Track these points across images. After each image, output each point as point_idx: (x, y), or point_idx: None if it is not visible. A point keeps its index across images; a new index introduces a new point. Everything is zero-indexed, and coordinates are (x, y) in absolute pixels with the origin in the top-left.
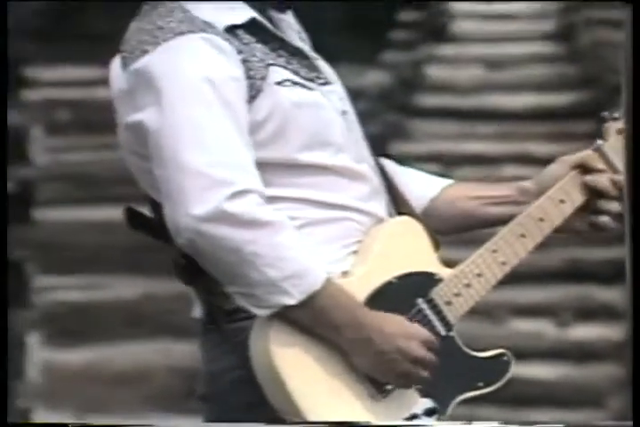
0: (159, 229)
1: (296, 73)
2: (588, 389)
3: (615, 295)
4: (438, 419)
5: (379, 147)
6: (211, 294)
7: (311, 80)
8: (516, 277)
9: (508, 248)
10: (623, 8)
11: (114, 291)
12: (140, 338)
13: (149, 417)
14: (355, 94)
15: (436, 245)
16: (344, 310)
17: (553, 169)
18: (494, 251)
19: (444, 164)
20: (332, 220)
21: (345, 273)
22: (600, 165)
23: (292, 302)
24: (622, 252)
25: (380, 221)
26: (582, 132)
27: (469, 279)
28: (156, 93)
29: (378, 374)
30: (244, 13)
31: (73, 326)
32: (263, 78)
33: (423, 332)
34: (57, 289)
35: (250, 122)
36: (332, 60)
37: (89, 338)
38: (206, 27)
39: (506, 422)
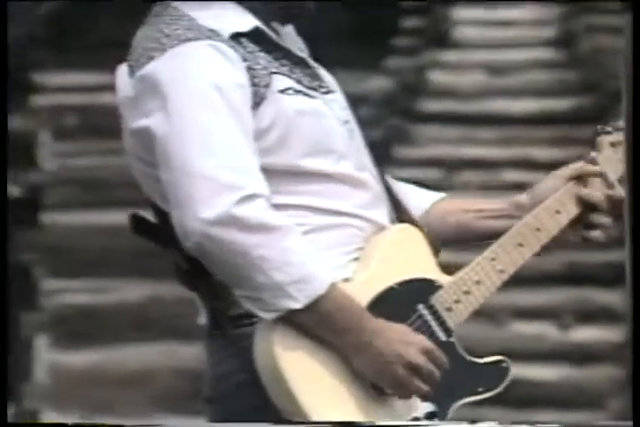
0: (162, 235)
1: (299, 82)
2: (588, 390)
3: (615, 298)
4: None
5: (382, 151)
6: (215, 299)
7: (314, 89)
8: (517, 281)
9: (506, 256)
10: (623, 14)
11: (120, 294)
12: (146, 340)
13: (155, 418)
14: (358, 100)
15: (436, 252)
16: (347, 315)
17: (546, 184)
18: (493, 259)
19: (447, 168)
20: (334, 227)
21: (346, 279)
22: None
23: (297, 306)
24: (622, 255)
25: (381, 228)
26: (583, 137)
27: (469, 286)
28: (163, 99)
29: (375, 378)
30: (249, 22)
31: (80, 328)
32: (267, 86)
33: (424, 341)
34: (65, 292)
35: (254, 129)
36: (336, 66)
37: (96, 340)
38: (212, 34)
39: (507, 423)
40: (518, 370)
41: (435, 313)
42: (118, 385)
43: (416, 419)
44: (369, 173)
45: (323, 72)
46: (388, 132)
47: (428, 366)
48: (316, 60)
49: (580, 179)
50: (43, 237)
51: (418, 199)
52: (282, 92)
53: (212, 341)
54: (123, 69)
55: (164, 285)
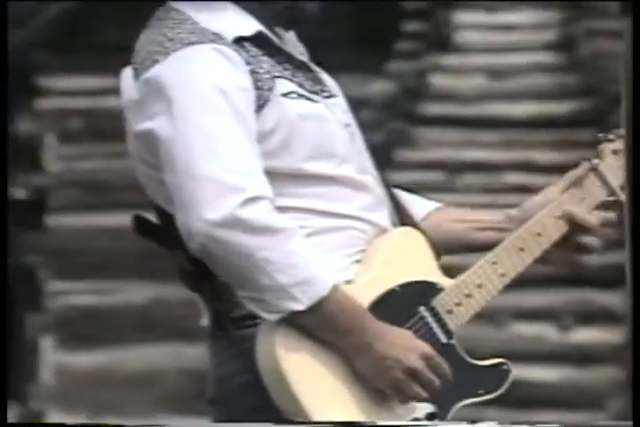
0: (165, 237)
1: (301, 86)
2: (588, 391)
3: (615, 299)
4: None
5: (384, 154)
6: (217, 300)
7: (316, 93)
8: (518, 282)
9: (508, 261)
10: (623, 19)
11: (125, 295)
12: (151, 341)
13: (160, 419)
14: (360, 103)
15: (438, 255)
16: (350, 316)
17: (539, 198)
18: (494, 263)
19: (448, 171)
20: (336, 229)
21: (348, 281)
22: (597, 183)
23: (300, 307)
24: (622, 257)
25: (383, 230)
26: (583, 140)
27: (470, 289)
28: (167, 102)
29: (375, 381)
30: (252, 26)
31: (85, 329)
32: (270, 89)
33: (425, 347)
34: (70, 294)
35: (257, 132)
36: (338, 70)
37: (101, 341)
38: (215, 38)
39: (507, 423)
40: (519, 371)
41: (436, 315)
42: (123, 386)
43: (416, 419)
44: (370, 176)
45: (324, 76)
46: (390, 135)
47: (427, 372)
48: (319, 63)
49: (579, 185)
50: (47, 239)
51: (415, 207)
52: (285, 95)
53: (215, 342)
54: (127, 72)
55: (169, 286)
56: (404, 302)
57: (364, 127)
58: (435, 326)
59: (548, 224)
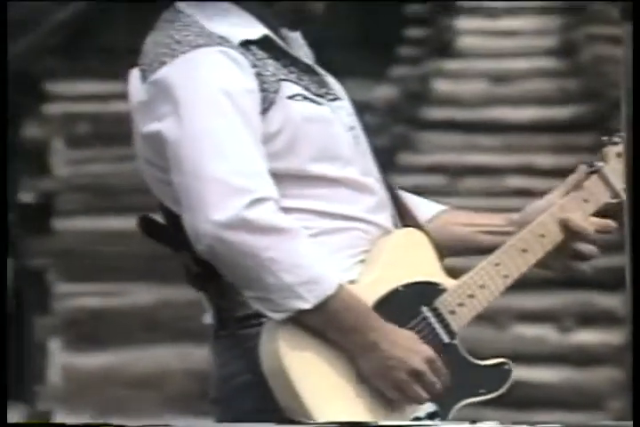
0: (172, 237)
1: (307, 88)
2: (589, 391)
3: (615, 302)
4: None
5: (387, 158)
6: (222, 300)
7: (321, 96)
8: (519, 285)
9: (511, 262)
10: (623, 24)
11: (131, 297)
12: (157, 343)
13: (166, 419)
14: (364, 108)
15: (441, 256)
16: (354, 314)
17: (541, 202)
18: (497, 264)
19: (450, 175)
20: (340, 230)
21: (352, 282)
22: (600, 186)
23: (306, 306)
24: (622, 260)
25: (386, 231)
26: (583, 145)
27: (473, 290)
28: (175, 104)
29: (376, 380)
30: (258, 30)
31: (92, 331)
32: (276, 92)
33: (428, 351)
34: (77, 296)
35: (263, 133)
36: (342, 74)
37: (107, 343)
38: (222, 41)
39: (509, 424)
40: (520, 372)
41: (438, 316)
42: (130, 386)
43: (418, 418)
44: (373, 178)
45: (330, 79)
46: (393, 139)
47: (429, 374)
48: (323, 65)
49: (581, 187)
50: (55, 242)
51: (421, 209)
52: (290, 98)
53: (218, 342)
54: (135, 74)
55: (175, 288)
56: (406, 303)
57: (367, 131)
58: (437, 326)
59: (551, 226)
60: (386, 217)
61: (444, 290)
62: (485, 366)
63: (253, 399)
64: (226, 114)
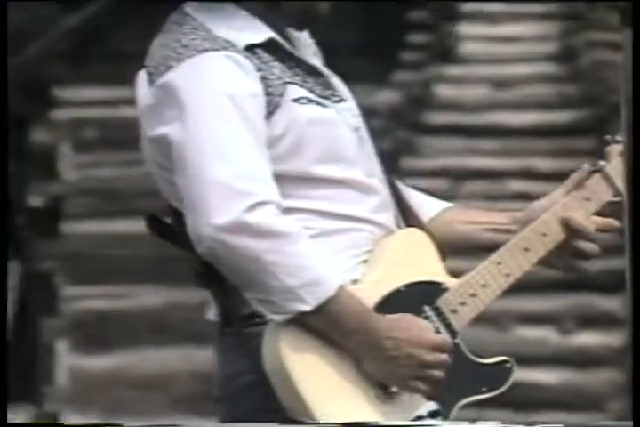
0: (179, 237)
1: (312, 91)
2: (589, 393)
3: (615, 304)
4: (442, 421)
5: (390, 162)
6: (227, 298)
7: (326, 98)
8: (520, 287)
9: (512, 261)
10: (622, 30)
11: (138, 300)
12: (164, 344)
13: (172, 419)
14: (367, 112)
15: (443, 256)
16: (356, 316)
17: (544, 201)
18: (499, 263)
19: (452, 178)
20: (343, 230)
21: (355, 281)
22: (603, 184)
23: (307, 308)
24: (622, 262)
25: (389, 232)
26: (583, 149)
27: (475, 289)
28: (180, 108)
29: (388, 380)
30: (263, 33)
31: (100, 333)
32: (281, 95)
33: (433, 336)
34: (84, 298)
35: (267, 137)
36: (345, 80)
37: (115, 345)
38: (228, 45)
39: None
40: (521, 373)
41: (440, 315)
42: (136, 387)
43: (419, 417)
44: (377, 178)
45: (335, 80)
46: (396, 143)
47: (436, 364)
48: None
49: (583, 186)
50: (63, 245)
51: (426, 206)
52: (295, 101)
53: (223, 340)
54: (142, 77)
55: (181, 290)
56: (409, 302)
57: (371, 136)
58: (439, 325)
59: (553, 225)
60: (389, 217)
61: (445, 289)
62: (487, 364)
63: (256, 399)
64: (230, 118)
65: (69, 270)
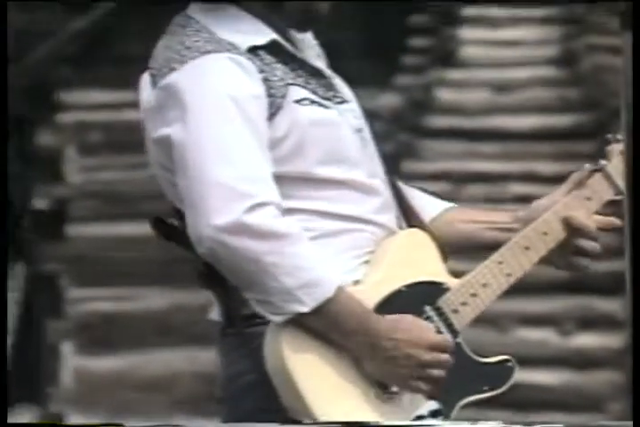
0: (185, 238)
1: (314, 92)
2: (588, 394)
3: (615, 306)
4: (443, 420)
5: (391, 165)
6: (229, 298)
7: (328, 99)
8: (521, 289)
9: (514, 260)
10: (622, 34)
11: (143, 302)
12: (168, 346)
13: (176, 420)
14: (369, 116)
15: (444, 256)
16: (355, 317)
17: (545, 200)
18: (500, 262)
19: (453, 182)
20: (345, 231)
21: (357, 282)
22: (604, 183)
23: (305, 309)
24: (622, 265)
25: (391, 232)
26: (583, 152)
27: (476, 289)
28: (183, 109)
29: (388, 380)
30: (266, 35)
31: (105, 335)
32: (283, 97)
33: (434, 336)
34: (89, 300)
35: (270, 138)
36: (347, 83)
37: (119, 346)
38: (230, 47)
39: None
40: (521, 375)
41: (442, 315)
42: (141, 389)
43: (420, 417)
44: (379, 179)
45: (338, 82)
46: (397, 147)
47: (436, 364)
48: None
49: (584, 185)
50: (68, 248)
51: (428, 206)
52: (297, 102)
53: (225, 340)
54: (146, 79)
55: (186, 293)
56: (410, 302)
57: (373, 139)
58: (441, 325)
59: (554, 224)
60: (390, 218)
61: (447, 289)
62: (488, 363)
63: (258, 399)
64: (232, 119)
65: (74, 273)
